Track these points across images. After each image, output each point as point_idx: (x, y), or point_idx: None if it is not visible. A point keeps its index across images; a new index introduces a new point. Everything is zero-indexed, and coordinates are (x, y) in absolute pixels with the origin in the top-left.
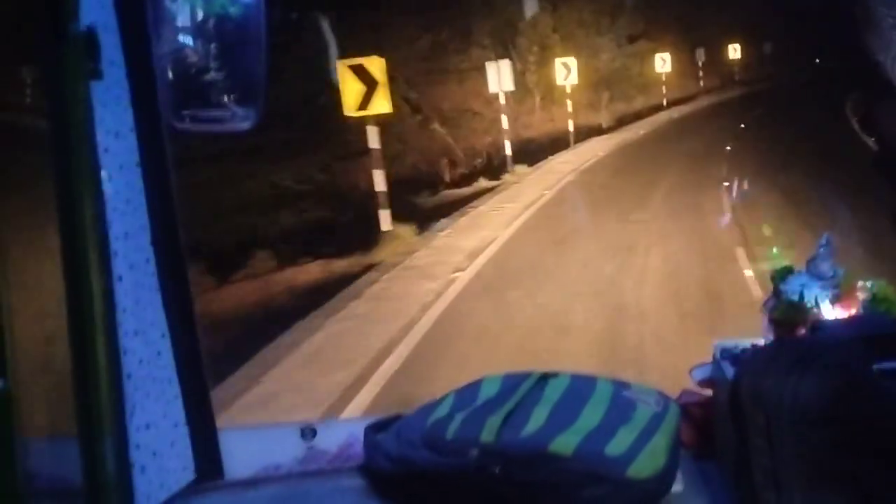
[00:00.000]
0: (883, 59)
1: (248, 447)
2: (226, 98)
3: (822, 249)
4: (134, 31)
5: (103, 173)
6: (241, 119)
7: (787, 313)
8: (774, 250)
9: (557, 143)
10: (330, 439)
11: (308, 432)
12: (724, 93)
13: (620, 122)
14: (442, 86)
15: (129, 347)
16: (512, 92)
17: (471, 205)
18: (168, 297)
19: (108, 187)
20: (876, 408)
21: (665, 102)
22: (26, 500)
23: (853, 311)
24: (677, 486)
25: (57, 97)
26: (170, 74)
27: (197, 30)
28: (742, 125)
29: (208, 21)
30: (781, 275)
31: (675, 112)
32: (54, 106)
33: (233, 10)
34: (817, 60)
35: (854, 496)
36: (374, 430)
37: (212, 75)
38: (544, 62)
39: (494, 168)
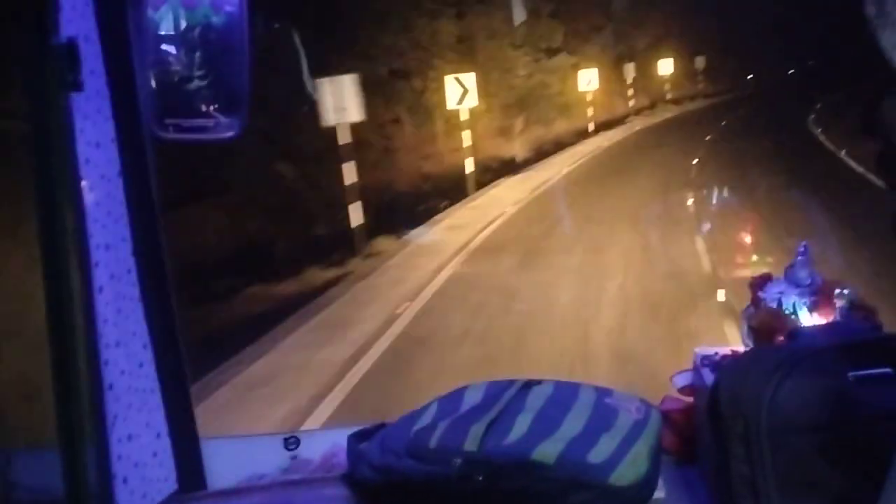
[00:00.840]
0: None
1: (231, 457)
2: (210, 107)
3: (799, 257)
4: (115, 41)
5: (84, 184)
6: (225, 128)
7: (765, 321)
8: None
9: (456, 189)
10: (313, 449)
11: (291, 442)
12: (655, 114)
13: (539, 154)
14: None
15: (111, 358)
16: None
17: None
18: (150, 307)
19: (88, 198)
20: (852, 415)
21: (591, 127)
22: None
23: (831, 319)
24: (659, 493)
25: (37, 108)
26: (153, 84)
27: (180, 39)
28: (695, 160)
29: (191, 31)
30: (760, 282)
31: (604, 139)
32: (35, 117)
33: (215, 20)
34: (749, 77)
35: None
36: (358, 438)
37: (195, 84)
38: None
39: (341, 242)
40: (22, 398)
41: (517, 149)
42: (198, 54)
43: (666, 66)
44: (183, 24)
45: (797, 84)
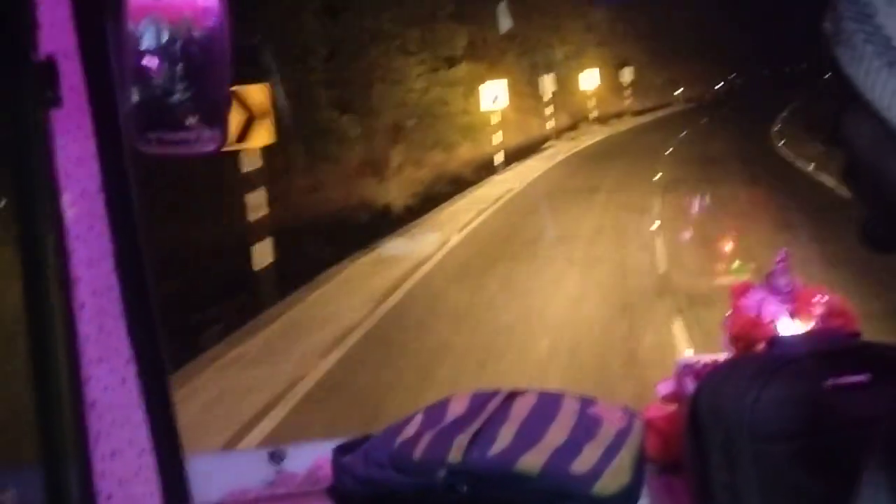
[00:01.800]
0: (854, 72)
1: (216, 472)
2: (192, 120)
3: (779, 264)
4: (95, 57)
5: (64, 200)
6: (207, 141)
7: (744, 329)
8: None
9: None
10: (298, 462)
11: (277, 456)
12: (580, 137)
13: (426, 200)
14: None
15: (93, 374)
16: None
17: None
18: (132, 323)
19: (69, 214)
20: (831, 422)
21: (500, 158)
22: None
23: (810, 326)
24: (643, 502)
25: (16, 126)
26: (134, 97)
27: (161, 53)
28: (655, 223)
29: (172, 44)
30: (740, 290)
31: (516, 176)
32: (13, 134)
33: (196, 34)
34: (678, 92)
35: None
36: (343, 451)
37: (177, 98)
38: (313, 95)
39: None
40: (2, 415)
41: (393, 194)
42: (179, 68)
43: (589, 79)
44: (164, 38)
45: (730, 98)
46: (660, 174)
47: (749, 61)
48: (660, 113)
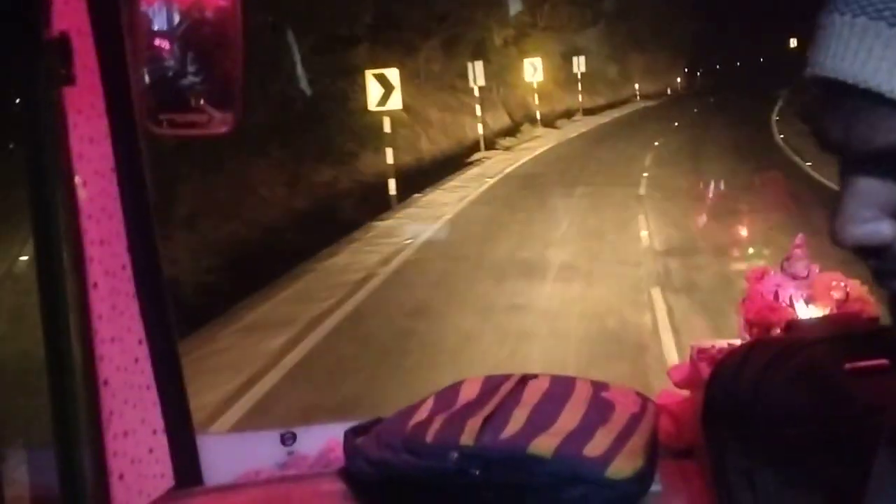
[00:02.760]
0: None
1: (227, 453)
2: (203, 102)
3: (797, 250)
4: (108, 35)
5: (77, 179)
6: (218, 123)
7: (761, 313)
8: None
9: None
10: (310, 444)
11: (288, 437)
12: (520, 146)
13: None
14: None
15: (106, 354)
16: None
17: None
18: (145, 303)
19: (82, 194)
20: (849, 407)
21: (393, 188)
22: None
23: (828, 311)
24: (656, 487)
25: (29, 103)
26: (146, 79)
27: (173, 34)
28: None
29: (185, 25)
30: (756, 274)
31: (399, 233)
32: (27, 112)
33: (209, 14)
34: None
35: (829, 496)
36: (355, 433)
37: (189, 80)
38: None
39: None
40: (16, 395)
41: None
42: (191, 49)
43: (532, 71)
44: (176, 19)
45: (706, 92)
46: (644, 231)
47: (722, 49)
48: (616, 113)
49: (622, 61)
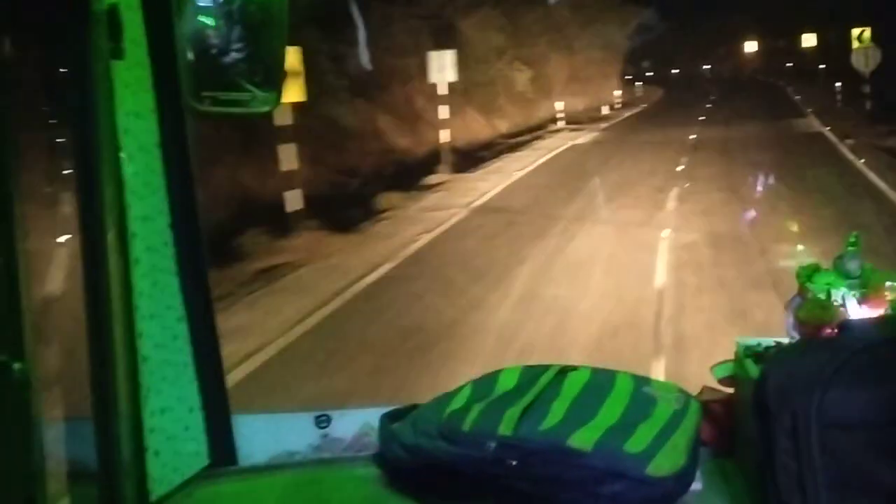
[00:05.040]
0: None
1: (262, 433)
2: (247, 81)
3: (850, 248)
4: (157, 11)
5: (122, 154)
6: (261, 102)
7: (813, 312)
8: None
9: None
10: (345, 427)
11: (323, 420)
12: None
13: None
14: None
15: (145, 330)
16: None
17: None
18: (185, 280)
19: (127, 169)
20: None
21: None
22: (42, 480)
23: (881, 312)
24: (696, 485)
25: (79, 76)
26: (190, 56)
27: (219, 12)
28: None
29: (231, 4)
30: (807, 273)
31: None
32: (76, 85)
33: None
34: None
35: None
36: (390, 419)
37: (232, 57)
38: None
39: None
40: (58, 369)
41: None
42: (236, 28)
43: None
44: None
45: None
46: None
47: (679, 49)
48: (513, 166)
49: (536, 64)
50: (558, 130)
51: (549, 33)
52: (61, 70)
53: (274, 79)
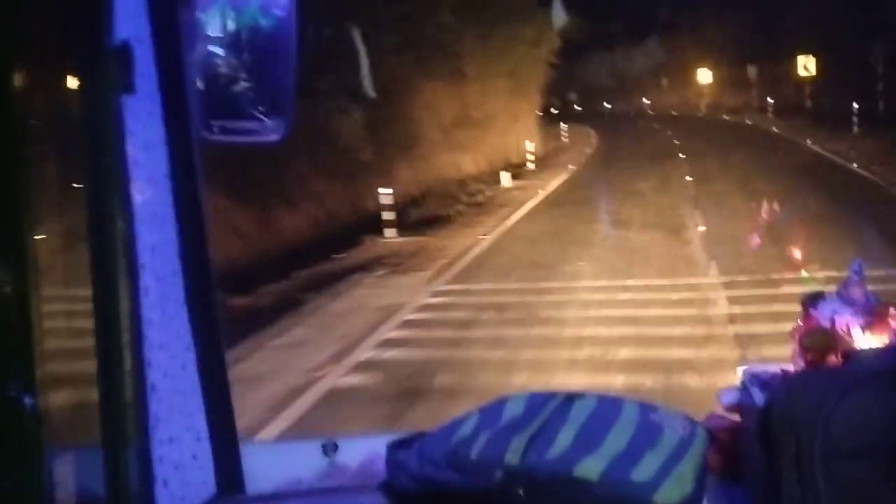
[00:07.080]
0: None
1: (269, 462)
2: (255, 110)
3: (854, 275)
4: (167, 43)
5: (132, 186)
6: (270, 130)
7: (817, 340)
8: None
9: None
10: (351, 455)
11: (330, 447)
12: None
13: None
14: None
15: (154, 360)
16: None
17: None
18: (194, 310)
19: (137, 200)
20: None
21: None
22: None
23: (886, 339)
24: None
25: (90, 110)
26: (200, 85)
27: (228, 41)
28: None
29: (239, 33)
30: (812, 300)
31: None
32: (87, 118)
33: (264, 22)
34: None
35: None
36: (397, 447)
37: (241, 86)
38: None
39: None
40: (66, 398)
41: None
42: (245, 56)
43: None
44: (231, 27)
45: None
46: None
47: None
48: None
49: (388, 99)
50: (365, 275)
51: (420, 46)
52: (72, 104)
53: (282, 108)
